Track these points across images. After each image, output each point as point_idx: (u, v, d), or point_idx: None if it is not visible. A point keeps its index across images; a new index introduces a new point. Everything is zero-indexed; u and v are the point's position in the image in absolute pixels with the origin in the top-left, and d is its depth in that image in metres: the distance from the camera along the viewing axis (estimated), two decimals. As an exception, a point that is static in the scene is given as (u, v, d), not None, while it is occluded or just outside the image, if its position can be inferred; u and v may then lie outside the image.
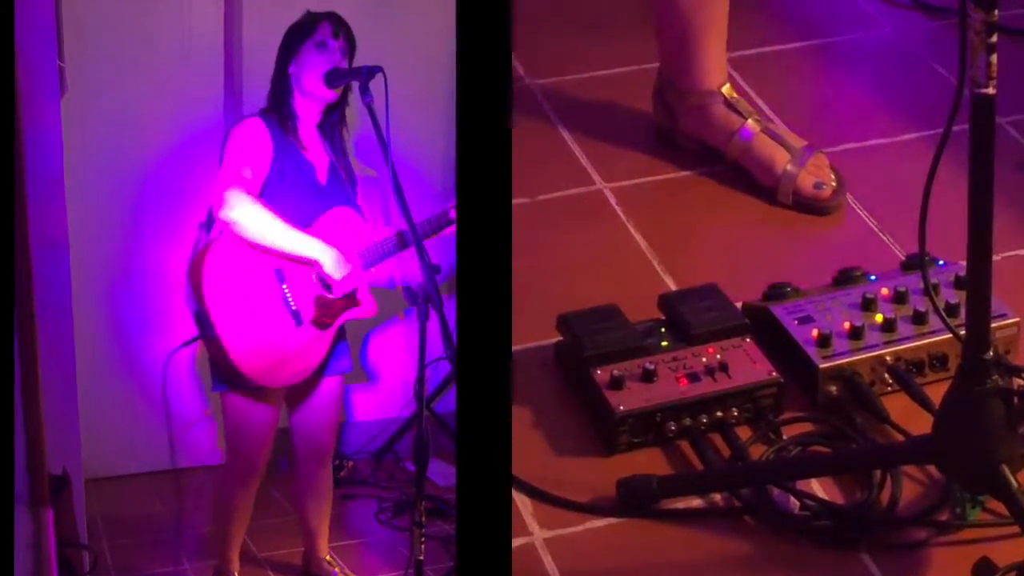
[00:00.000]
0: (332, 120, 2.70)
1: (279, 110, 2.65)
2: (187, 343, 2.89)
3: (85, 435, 2.73)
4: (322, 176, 2.68)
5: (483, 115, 1.85)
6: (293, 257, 2.61)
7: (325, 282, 2.64)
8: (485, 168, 1.86)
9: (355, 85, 2.62)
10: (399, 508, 3.23)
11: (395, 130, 2.53)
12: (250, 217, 2.56)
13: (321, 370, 2.69)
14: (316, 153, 2.68)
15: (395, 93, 2.53)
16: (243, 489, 2.77)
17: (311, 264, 2.62)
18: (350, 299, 2.68)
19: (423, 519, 2.57)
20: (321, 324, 2.64)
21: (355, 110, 2.74)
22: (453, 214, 2.68)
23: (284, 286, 2.61)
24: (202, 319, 2.58)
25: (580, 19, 3.30)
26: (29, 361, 2.27)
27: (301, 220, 2.63)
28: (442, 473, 3.20)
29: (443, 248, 2.67)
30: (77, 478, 2.60)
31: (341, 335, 2.73)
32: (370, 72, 2.56)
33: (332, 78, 2.63)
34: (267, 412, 2.70)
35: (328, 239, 2.65)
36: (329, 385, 2.75)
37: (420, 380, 2.60)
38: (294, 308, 2.61)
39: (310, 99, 2.65)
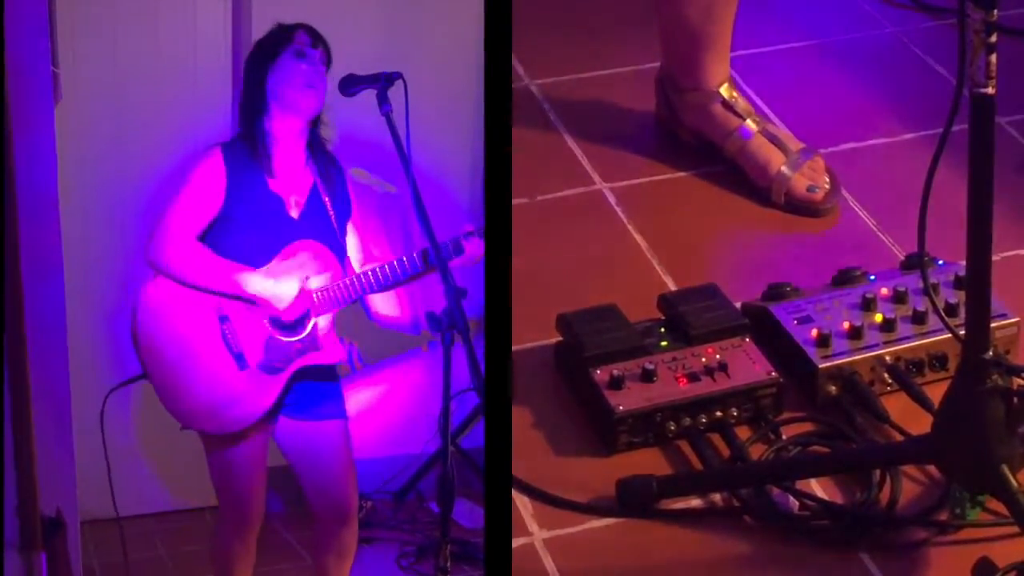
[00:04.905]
0: (318, 136, 2.49)
1: (250, 134, 2.45)
2: (127, 382, 2.60)
3: (80, 475, 2.54)
4: (294, 207, 2.47)
5: (501, 121, 1.83)
6: (241, 295, 2.42)
7: (279, 323, 2.44)
8: (503, 178, 1.83)
9: (353, 95, 2.42)
10: (422, 552, 3.08)
11: (415, 141, 2.32)
12: (180, 264, 2.40)
13: (272, 414, 2.48)
14: (291, 181, 2.47)
15: (414, 102, 2.32)
16: (239, 536, 2.58)
17: (259, 304, 2.42)
18: (307, 343, 2.46)
19: (448, 564, 2.44)
20: (271, 368, 2.44)
21: (334, 120, 2.60)
22: (465, 244, 2.41)
23: (224, 327, 2.43)
24: (139, 358, 2.45)
25: (580, 19, 3.30)
26: (21, 395, 2.18)
27: (253, 259, 2.43)
28: (469, 514, 3.08)
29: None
30: (72, 520, 2.47)
31: (329, 377, 2.52)
32: (388, 79, 2.36)
33: (346, 85, 2.41)
34: (248, 453, 2.50)
35: (281, 277, 2.44)
36: (327, 430, 2.52)
37: (445, 413, 2.43)
38: (236, 351, 2.43)
39: (291, 113, 2.44)
